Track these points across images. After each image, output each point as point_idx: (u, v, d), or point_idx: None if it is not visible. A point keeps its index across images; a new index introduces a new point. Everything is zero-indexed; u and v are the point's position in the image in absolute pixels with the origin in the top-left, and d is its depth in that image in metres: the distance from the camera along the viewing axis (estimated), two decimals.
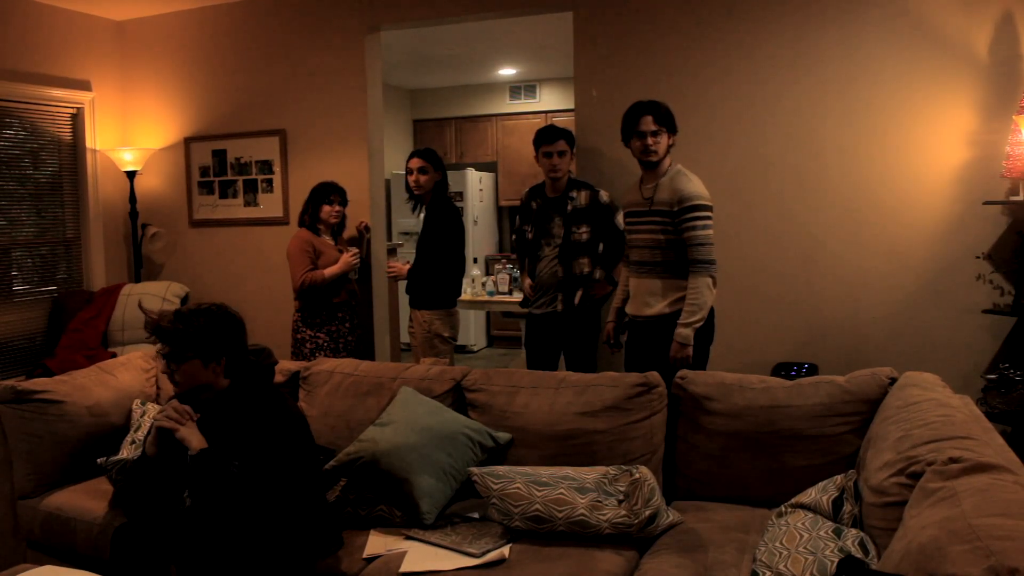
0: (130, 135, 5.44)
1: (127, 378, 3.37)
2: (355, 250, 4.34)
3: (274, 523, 2.28)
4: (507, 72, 7.86)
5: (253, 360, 2.45)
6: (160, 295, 4.94)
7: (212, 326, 2.32)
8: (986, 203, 3.62)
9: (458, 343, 4.70)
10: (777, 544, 1.97)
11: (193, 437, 2.26)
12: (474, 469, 2.49)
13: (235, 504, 2.23)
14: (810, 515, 2.08)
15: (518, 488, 2.38)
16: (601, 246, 3.88)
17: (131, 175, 5.25)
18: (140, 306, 2.75)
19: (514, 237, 4.18)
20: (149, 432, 2.38)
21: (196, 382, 2.33)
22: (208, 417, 2.37)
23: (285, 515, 2.30)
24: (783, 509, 2.19)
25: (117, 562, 2.33)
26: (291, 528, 2.32)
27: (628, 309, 3.46)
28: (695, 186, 3.21)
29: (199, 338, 2.29)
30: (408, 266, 4.20)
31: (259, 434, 2.29)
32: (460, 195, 7.75)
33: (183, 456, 2.28)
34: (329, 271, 4.19)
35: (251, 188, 5.12)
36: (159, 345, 2.33)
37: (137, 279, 5.37)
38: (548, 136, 3.83)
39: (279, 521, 2.28)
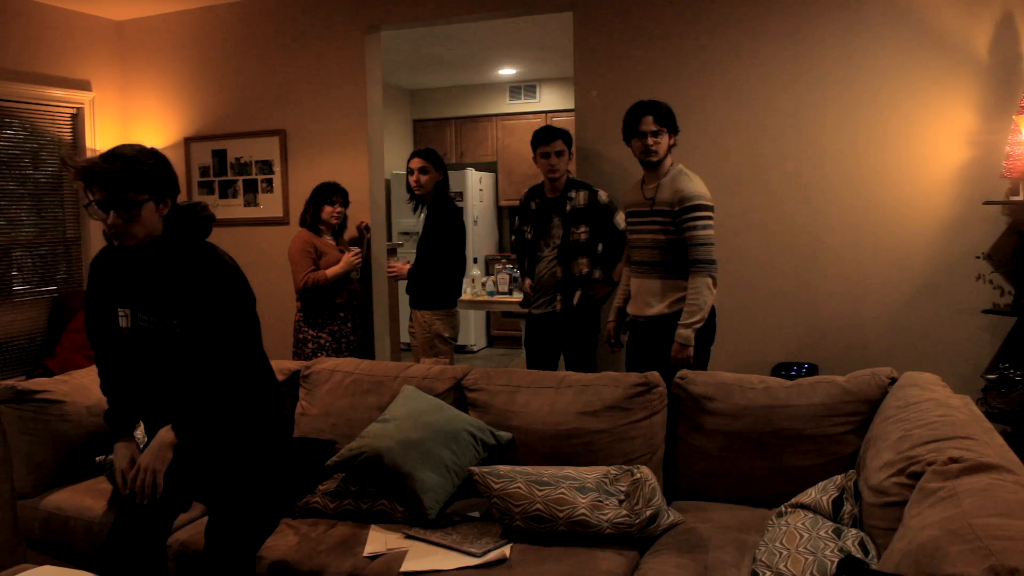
0: (130, 135, 5.43)
1: None
2: (357, 249, 4.34)
3: (231, 389, 2.16)
4: (507, 72, 7.86)
5: (187, 209, 2.20)
6: None
7: (163, 161, 2.09)
8: (986, 203, 3.62)
9: (458, 343, 4.70)
10: (777, 544, 1.97)
11: (159, 454, 2.14)
12: (475, 468, 2.49)
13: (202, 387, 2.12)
14: (810, 515, 2.08)
15: (519, 488, 2.38)
16: (600, 246, 3.88)
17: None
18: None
19: (514, 237, 4.18)
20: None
21: (151, 231, 2.08)
22: (141, 266, 2.16)
23: (241, 380, 2.18)
24: (783, 509, 2.19)
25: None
26: (249, 399, 2.22)
27: (629, 309, 3.46)
28: (696, 186, 3.21)
29: (155, 176, 2.05)
30: (408, 266, 4.20)
31: (202, 289, 2.12)
32: (460, 195, 7.76)
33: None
34: (331, 271, 4.20)
35: (251, 188, 5.13)
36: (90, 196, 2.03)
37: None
38: (545, 136, 3.83)
39: (236, 387, 2.17)
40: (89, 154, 5.14)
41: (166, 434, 2.17)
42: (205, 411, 2.18)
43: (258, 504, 2.25)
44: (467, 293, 5.93)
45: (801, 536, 1.96)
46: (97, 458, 2.88)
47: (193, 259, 2.14)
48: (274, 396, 2.36)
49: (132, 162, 2.01)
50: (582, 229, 3.82)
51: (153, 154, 2.09)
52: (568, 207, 3.84)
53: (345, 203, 4.37)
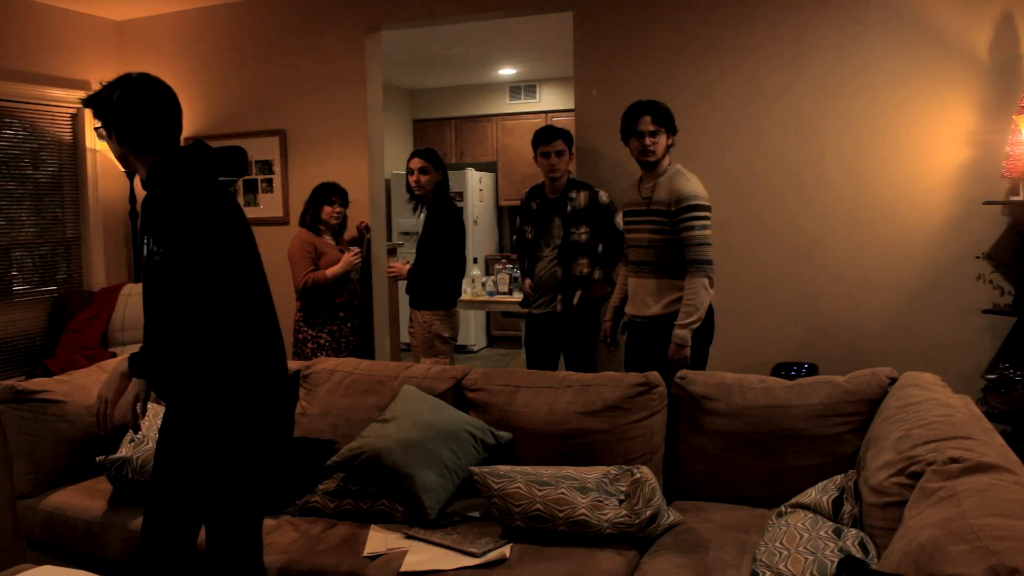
0: None
1: None
2: (357, 249, 4.35)
3: (184, 332, 2.01)
4: (507, 72, 7.86)
5: (195, 146, 2.16)
6: None
7: (113, 93, 2.09)
8: (986, 203, 3.62)
9: (458, 343, 4.70)
10: (777, 544, 1.97)
11: (109, 384, 2.12)
12: (475, 468, 2.49)
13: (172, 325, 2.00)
14: (810, 515, 2.08)
15: (519, 488, 2.38)
16: (600, 247, 3.88)
17: (131, 175, 5.25)
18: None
19: (514, 237, 4.18)
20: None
21: (118, 157, 2.18)
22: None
23: (197, 325, 2.01)
24: (783, 509, 2.19)
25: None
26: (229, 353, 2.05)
27: (628, 309, 3.46)
28: (693, 186, 3.21)
29: (102, 106, 2.11)
30: (408, 266, 4.20)
31: (170, 220, 2.01)
32: (460, 195, 7.76)
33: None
34: (331, 271, 4.20)
35: (251, 188, 5.12)
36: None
37: (137, 279, 5.36)
38: (546, 136, 3.84)
39: (187, 330, 2.01)
40: (89, 155, 5.15)
41: (120, 364, 2.16)
42: (155, 348, 2.06)
43: (242, 478, 2.16)
44: (467, 293, 5.93)
45: (801, 536, 1.96)
46: (97, 458, 2.88)
47: (175, 191, 2.06)
48: (255, 364, 2.13)
49: (97, 94, 2.14)
50: (582, 229, 3.82)
51: (120, 90, 2.09)
52: (569, 207, 3.84)
53: (345, 203, 4.37)
